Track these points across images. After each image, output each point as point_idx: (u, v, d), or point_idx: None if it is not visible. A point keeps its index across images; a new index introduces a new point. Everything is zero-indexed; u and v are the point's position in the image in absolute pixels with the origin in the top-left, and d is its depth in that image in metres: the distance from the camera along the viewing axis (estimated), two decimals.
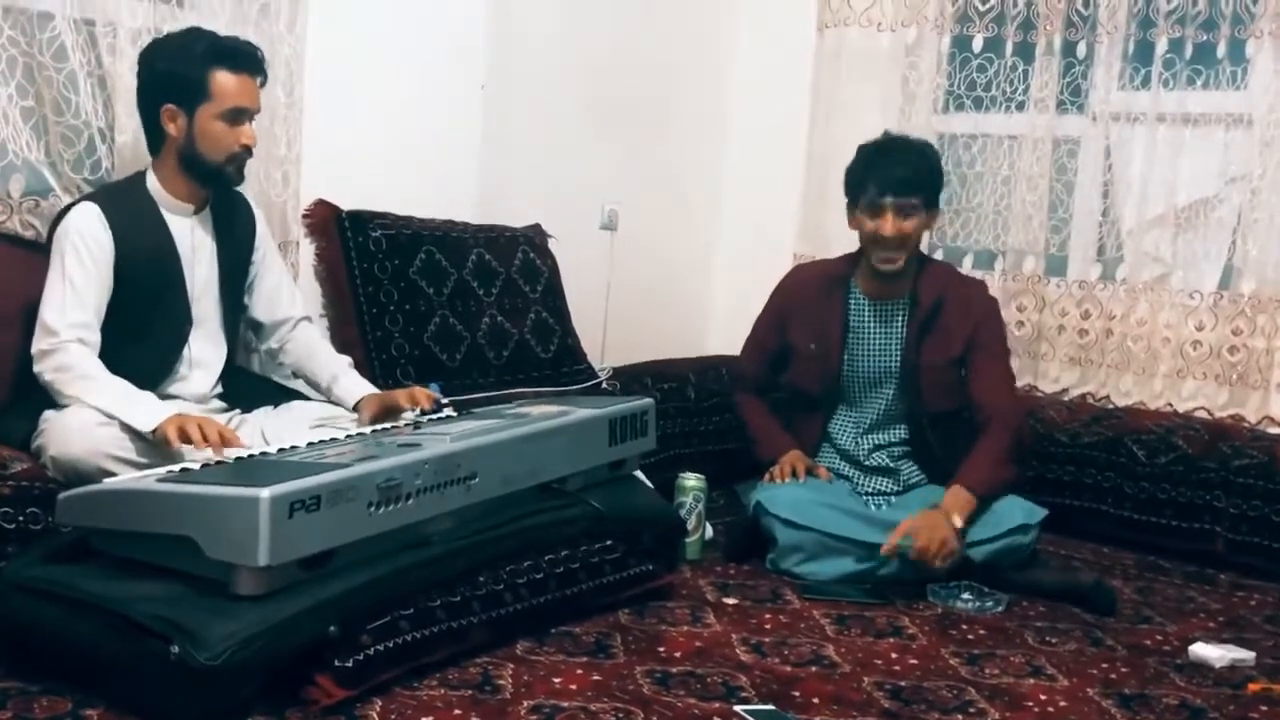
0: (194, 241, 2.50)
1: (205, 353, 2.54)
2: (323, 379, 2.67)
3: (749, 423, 3.17)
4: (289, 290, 2.73)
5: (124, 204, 2.42)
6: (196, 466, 2.12)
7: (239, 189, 2.61)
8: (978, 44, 3.69)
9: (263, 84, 2.50)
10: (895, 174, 2.87)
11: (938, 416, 2.97)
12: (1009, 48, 3.65)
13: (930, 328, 2.96)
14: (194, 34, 2.47)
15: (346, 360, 2.73)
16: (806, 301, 3.07)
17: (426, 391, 2.64)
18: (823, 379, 3.04)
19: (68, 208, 2.41)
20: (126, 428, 2.23)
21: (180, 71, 2.39)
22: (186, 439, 2.20)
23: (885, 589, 2.73)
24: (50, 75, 2.52)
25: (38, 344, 2.31)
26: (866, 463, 3.03)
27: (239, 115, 2.42)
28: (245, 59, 2.45)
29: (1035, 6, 3.60)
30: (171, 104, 2.41)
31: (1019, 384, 3.61)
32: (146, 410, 2.26)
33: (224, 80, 2.40)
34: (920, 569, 2.70)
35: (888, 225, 2.86)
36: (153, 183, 2.47)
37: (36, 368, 2.30)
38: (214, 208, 2.55)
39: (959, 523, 2.71)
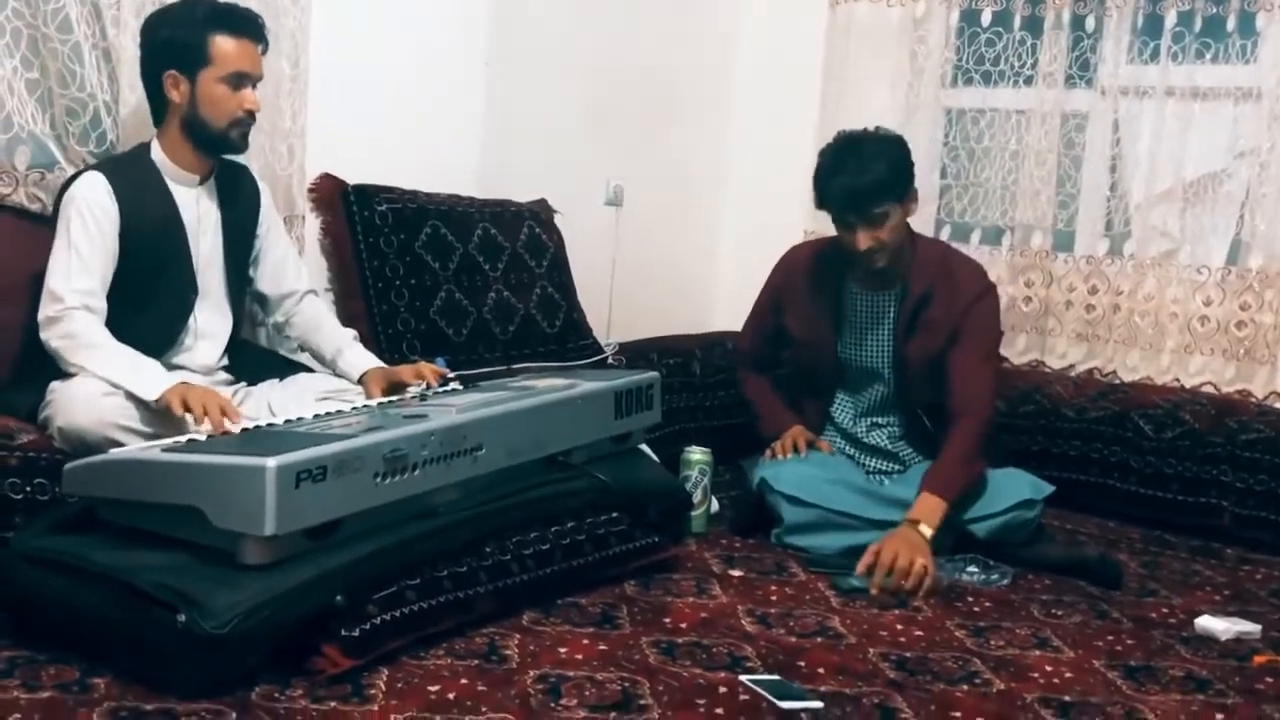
0: (199, 211, 2.50)
1: (211, 323, 2.54)
2: (328, 352, 2.68)
3: (751, 399, 3.17)
4: (294, 263, 2.73)
5: (129, 174, 2.42)
6: (203, 437, 2.13)
7: (244, 163, 2.61)
8: (986, 18, 3.67)
9: (264, 50, 2.49)
10: (856, 188, 2.73)
11: (932, 406, 2.93)
12: (1017, 21, 3.63)
13: (917, 322, 2.90)
14: (194, 1, 2.45)
15: (352, 333, 2.73)
16: (800, 287, 3.04)
17: (433, 367, 2.64)
18: (820, 365, 3.03)
19: (73, 177, 2.41)
20: (132, 396, 2.23)
21: (181, 37, 2.39)
22: (189, 409, 2.21)
23: None
24: (55, 48, 2.51)
25: (44, 311, 2.31)
26: (866, 441, 3.03)
27: (241, 80, 2.42)
28: (246, 24, 2.44)
29: None
30: (174, 70, 2.40)
31: (1027, 359, 3.63)
32: (151, 379, 2.26)
33: (225, 44, 2.40)
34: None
35: (860, 241, 2.77)
36: (157, 153, 2.47)
37: (43, 335, 2.31)
38: (219, 179, 2.54)
39: (928, 532, 2.63)
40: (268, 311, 2.74)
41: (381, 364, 2.66)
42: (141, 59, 2.47)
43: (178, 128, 2.45)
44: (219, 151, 2.49)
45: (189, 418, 2.20)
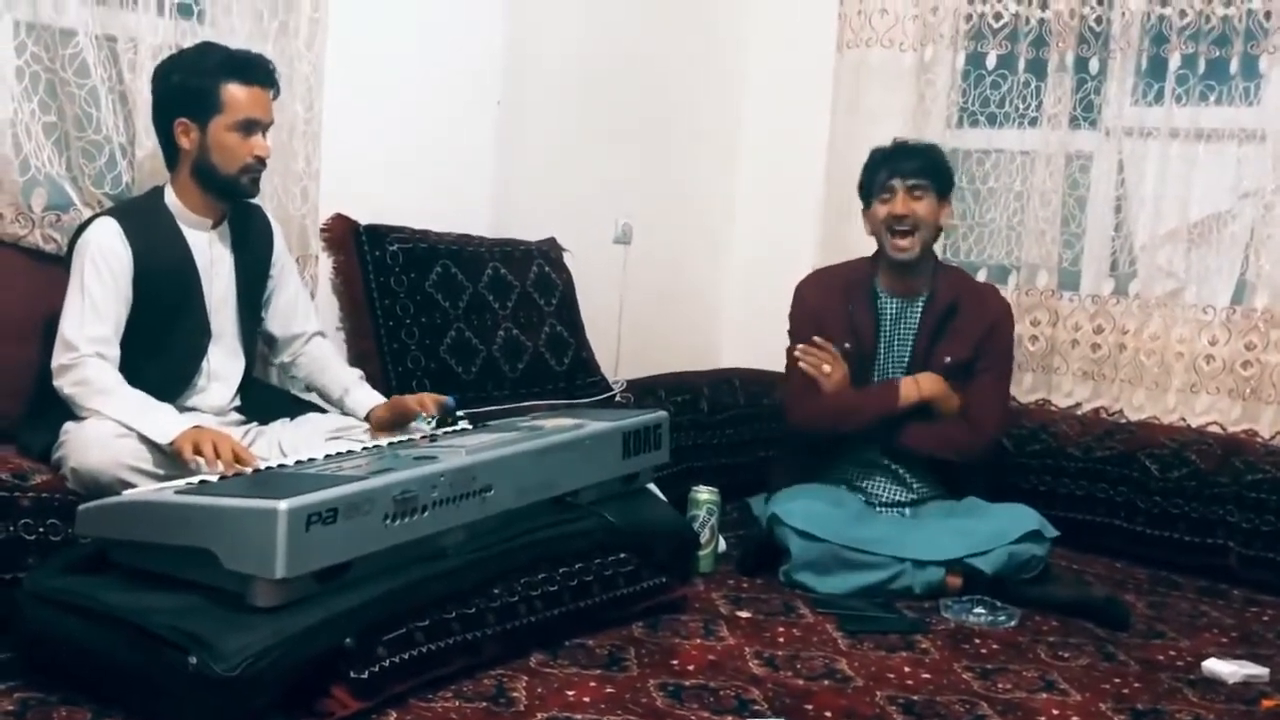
0: (212, 256, 2.53)
1: (223, 366, 2.56)
2: (334, 392, 2.70)
3: (827, 411, 3.02)
4: (304, 305, 2.75)
5: (142, 219, 2.45)
6: (215, 479, 2.15)
7: (258, 203, 2.64)
8: (991, 61, 3.70)
9: (275, 96, 2.52)
10: (905, 163, 3.02)
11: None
12: (1021, 64, 3.66)
13: (945, 330, 3.03)
14: (206, 48, 2.49)
15: (358, 373, 2.75)
16: (834, 304, 3.09)
17: (435, 396, 2.65)
18: (856, 375, 3.06)
19: (87, 222, 2.43)
20: (145, 439, 2.25)
21: (192, 85, 2.41)
22: (200, 453, 2.23)
23: (897, 603, 2.75)
24: (72, 91, 2.55)
25: (57, 359, 2.33)
26: (880, 461, 3.05)
27: (252, 126, 2.44)
28: (257, 71, 2.46)
29: (1048, 23, 3.61)
30: (185, 118, 2.43)
31: (1033, 398, 3.65)
32: (164, 422, 2.28)
33: (236, 92, 2.42)
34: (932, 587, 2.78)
35: (899, 204, 2.98)
36: (170, 198, 2.49)
37: (56, 382, 2.33)
38: (232, 222, 2.57)
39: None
40: (275, 352, 2.76)
41: (387, 401, 2.67)
42: (153, 105, 2.50)
43: (189, 174, 2.47)
44: (230, 197, 2.52)
45: (201, 461, 2.21)
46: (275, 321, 2.71)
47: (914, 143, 3.16)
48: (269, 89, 2.49)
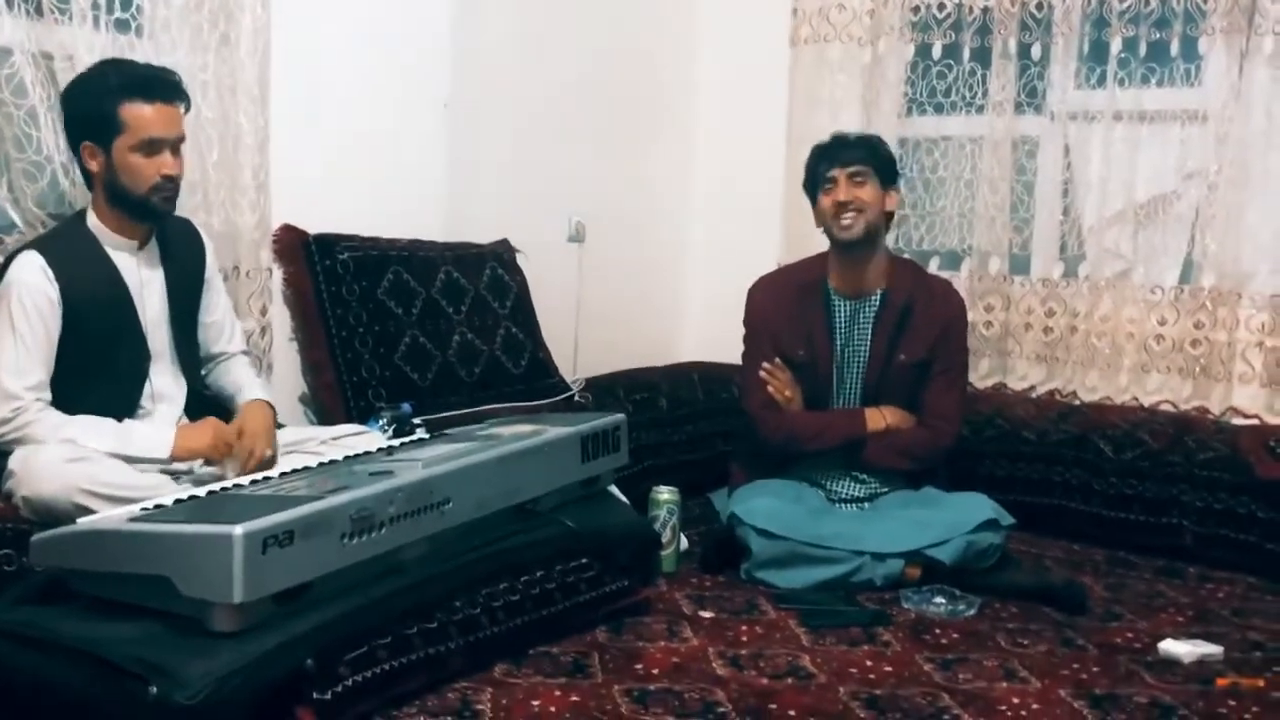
0: (141, 277, 2.48)
1: (167, 386, 2.52)
2: (229, 390, 2.67)
3: (795, 429, 3.08)
4: (229, 327, 2.71)
5: (67, 247, 2.39)
6: (169, 502, 2.13)
7: (185, 217, 2.59)
8: (937, 51, 3.73)
9: (186, 109, 2.46)
10: (843, 152, 3.04)
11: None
12: (966, 53, 3.69)
13: (900, 332, 3.03)
14: (105, 67, 2.42)
15: (256, 380, 2.70)
16: (788, 309, 3.10)
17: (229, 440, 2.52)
18: (813, 383, 3.08)
19: (11, 256, 2.37)
20: (115, 459, 2.26)
21: (93, 108, 2.36)
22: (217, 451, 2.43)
23: (858, 596, 2.77)
24: (10, 112, 2.50)
25: None
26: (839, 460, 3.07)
27: (156, 145, 2.37)
28: (160, 87, 2.40)
29: (991, 11, 3.64)
30: (89, 141, 2.38)
31: (989, 382, 3.69)
32: (148, 439, 2.36)
33: (137, 111, 2.35)
34: (892, 578, 2.80)
35: (841, 191, 2.99)
36: (93, 220, 2.44)
37: None
38: (160, 240, 2.53)
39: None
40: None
41: (264, 402, 2.60)
42: (64, 129, 2.45)
43: (104, 196, 2.42)
44: (144, 218, 2.46)
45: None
46: (201, 339, 2.67)
47: (852, 134, 3.16)
48: (176, 104, 2.42)
